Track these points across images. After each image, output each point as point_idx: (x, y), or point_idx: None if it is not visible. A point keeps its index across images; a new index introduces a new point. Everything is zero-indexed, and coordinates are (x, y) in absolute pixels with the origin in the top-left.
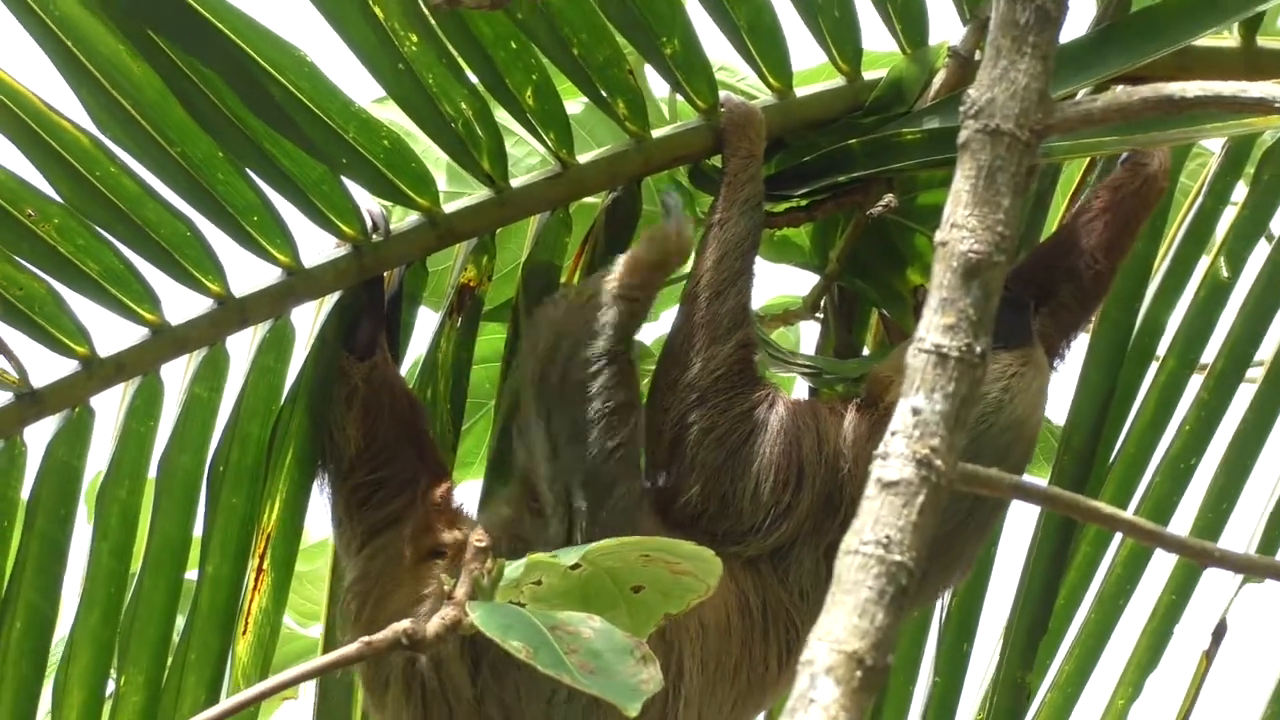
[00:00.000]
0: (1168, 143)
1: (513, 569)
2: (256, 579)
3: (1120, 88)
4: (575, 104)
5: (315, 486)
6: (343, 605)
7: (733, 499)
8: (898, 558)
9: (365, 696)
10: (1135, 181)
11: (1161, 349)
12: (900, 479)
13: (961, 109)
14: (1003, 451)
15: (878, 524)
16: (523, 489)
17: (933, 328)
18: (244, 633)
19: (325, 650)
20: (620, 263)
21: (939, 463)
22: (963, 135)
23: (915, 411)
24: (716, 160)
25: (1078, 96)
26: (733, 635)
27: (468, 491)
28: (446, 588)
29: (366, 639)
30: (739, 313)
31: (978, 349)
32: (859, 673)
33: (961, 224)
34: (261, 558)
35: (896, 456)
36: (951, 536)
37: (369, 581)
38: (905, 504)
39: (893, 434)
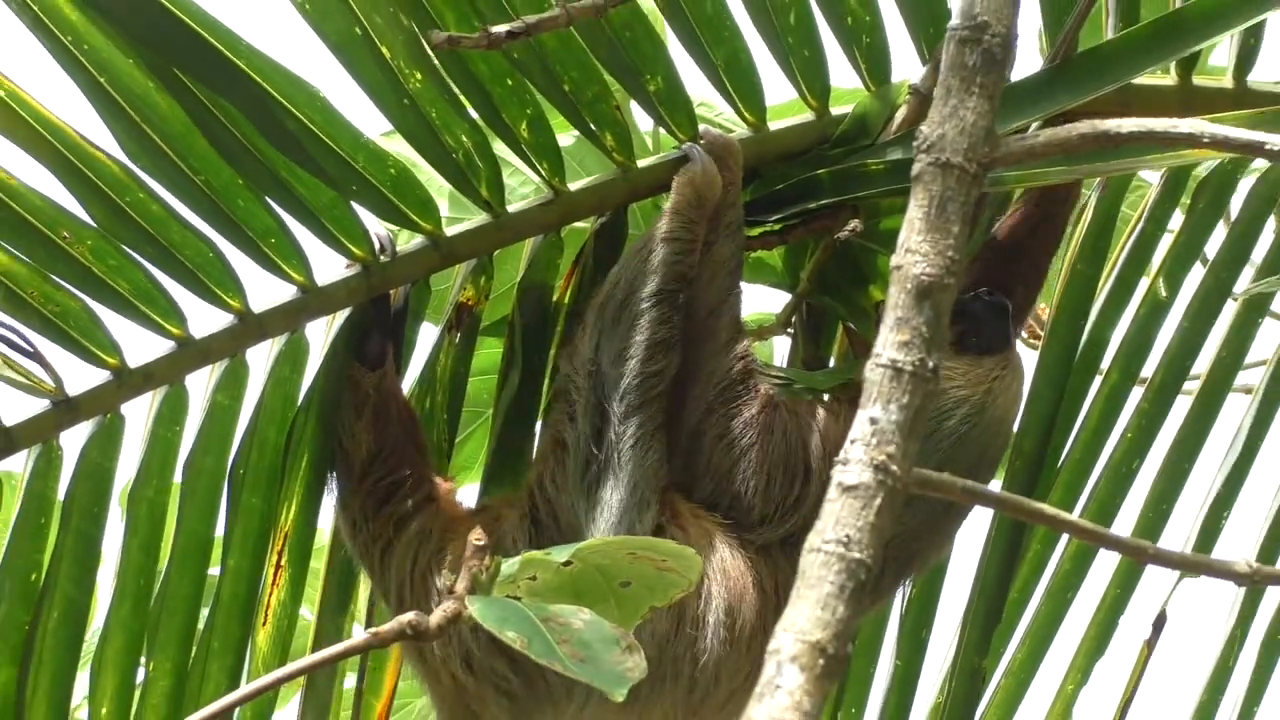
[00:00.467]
0: (1109, 173)
1: (509, 565)
2: (275, 574)
3: (1067, 125)
4: (566, 137)
5: (328, 489)
6: (390, 602)
7: (744, 495)
8: (857, 555)
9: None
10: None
11: (1105, 362)
12: (859, 483)
13: (915, 144)
14: (984, 449)
15: (838, 524)
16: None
17: (888, 344)
18: (264, 623)
19: (315, 638)
20: (664, 211)
21: (895, 468)
22: (916, 168)
23: (873, 421)
24: None
25: (1029, 130)
26: (752, 606)
27: (466, 494)
28: (448, 584)
29: (374, 630)
30: (734, 325)
31: (930, 364)
32: (821, 661)
33: (915, 249)
34: (280, 554)
35: (855, 462)
36: (918, 532)
37: (415, 575)
38: (864, 506)
39: (852, 442)
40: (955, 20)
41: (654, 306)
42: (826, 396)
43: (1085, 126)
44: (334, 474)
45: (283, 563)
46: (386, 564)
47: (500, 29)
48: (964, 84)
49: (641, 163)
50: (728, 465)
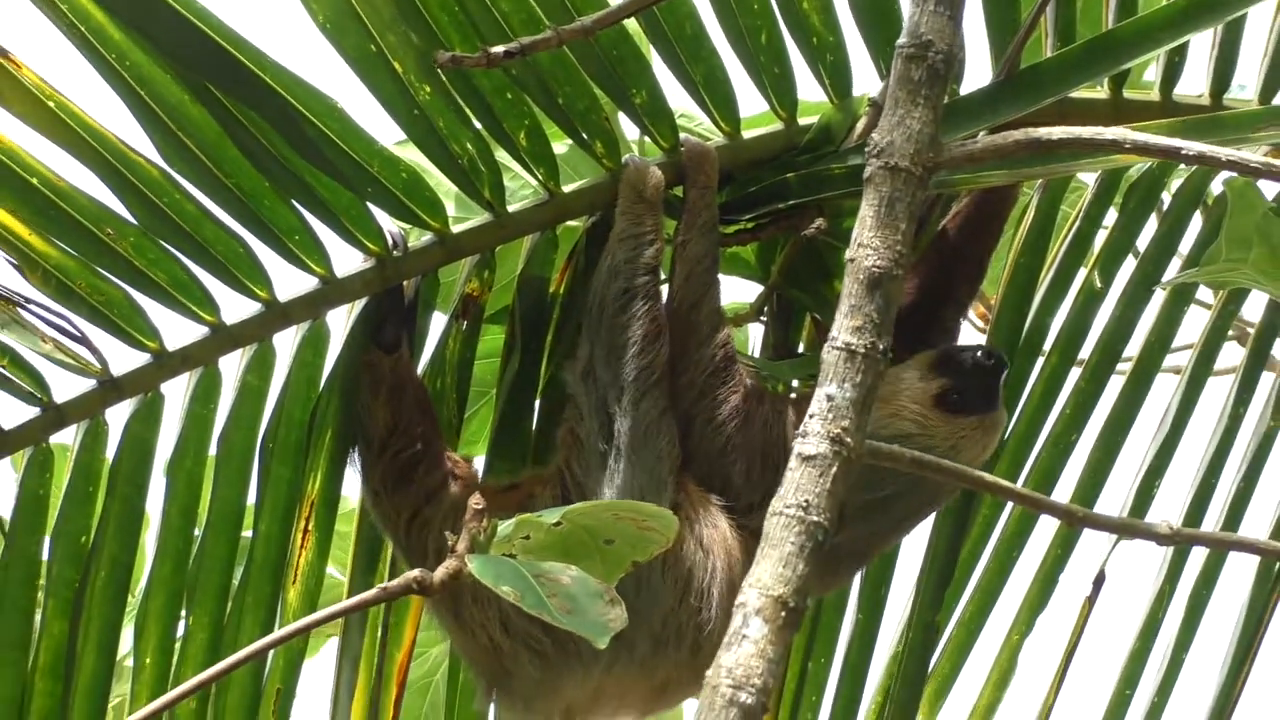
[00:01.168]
0: (1047, 175)
1: (505, 527)
2: (303, 538)
3: (1004, 133)
4: (561, 145)
5: (350, 462)
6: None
7: (731, 480)
8: (815, 518)
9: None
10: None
11: (1047, 346)
12: (817, 453)
13: (866, 150)
14: (936, 493)
15: (798, 490)
16: (565, 433)
17: (843, 329)
18: (294, 582)
19: (348, 595)
20: (616, 214)
21: (849, 440)
22: (867, 171)
23: (829, 398)
24: (678, 190)
25: (977, 138)
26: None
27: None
28: (450, 543)
29: (383, 585)
30: (714, 316)
31: (880, 346)
32: (783, 613)
33: (867, 244)
34: (307, 520)
35: (814, 435)
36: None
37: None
38: (821, 474)
39: (811, 416)
40: (902, 39)
41: (629, 304)
42: (797, 385)
43: (1020, 134)
44: (355, 449)
45: (309, 527)
46: (412, 533)
47: (499, 49)
48: (910, 96)
49: None
50: (716, 449)
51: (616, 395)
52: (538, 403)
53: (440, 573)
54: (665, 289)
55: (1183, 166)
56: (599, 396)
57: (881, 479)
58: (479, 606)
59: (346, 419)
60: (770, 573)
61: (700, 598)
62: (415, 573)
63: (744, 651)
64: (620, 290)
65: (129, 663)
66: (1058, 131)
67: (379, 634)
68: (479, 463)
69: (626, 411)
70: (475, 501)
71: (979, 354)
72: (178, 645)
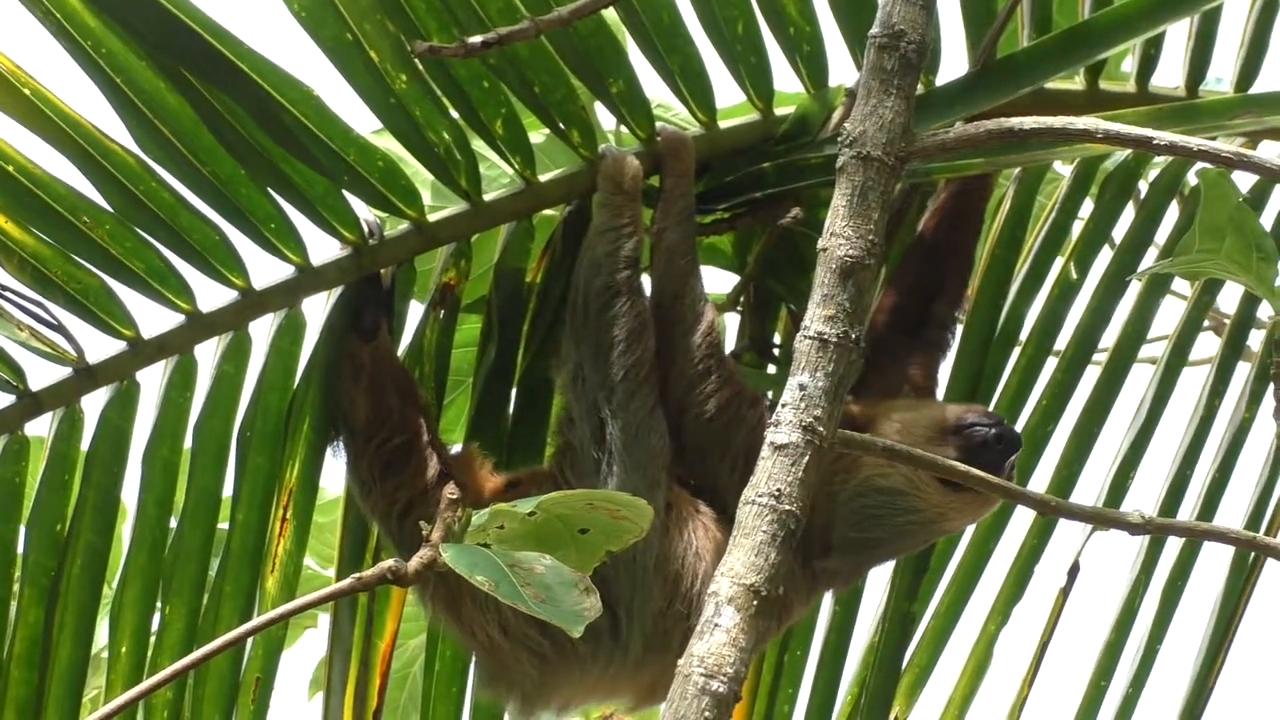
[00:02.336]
0: (1027, 163)
1: (479, 517)
2: (281, 527)
3: (976, 123)
4: (538, 135)
5: (329, 451)
6: None
7: (719, 478)
8: (787, 507)
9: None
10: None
11: (1023, 337)
12: (789, 442)
13: (839, 139)
14: (920, 542)
15: (770, 479)
16: (557, 438)
17: (816, 318)
18: (272, 571)
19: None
20: (595, 206)
21: (821, 429)
22: (840, 160)
23: (801, 387)
24: (655, 180)
25: (950, 129)
26: None
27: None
28: (425, 533)
29: (357, 575)
30: (698, 304)
31: (853, 335)
32: (755, 602)
33: (839, 233)
34: (285, 509)
35: (786, 424)
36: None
37: None
38: (793, 463)
39: (783, 405)
40: (875, 29)
41: (611, 300)
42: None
43: (992, 124)
44: (340, 440)
45: (288, 516)
46: (405, 526)
47: (476, 40)
48: (883, 86)
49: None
50: (706, 444)
51: (606, 396)
52: (514, 392)
53: (415, 563)
54: (647, 278)
55: (1159, 158)
56: (589, 400)
57: (871, 523)
58: (478, 608)
59: (324, 408)
60: (742, 561)
61: (687, 602)
62: (390, 563)
63: (716, 640)
64: (602, 286)
65: (105, 655)
66: (1030, 121)
67: (363, 624)
68: (455, 451)
69: (617, 413)
70: (450, 492)
71: (991, 433)
72: (153, 635)
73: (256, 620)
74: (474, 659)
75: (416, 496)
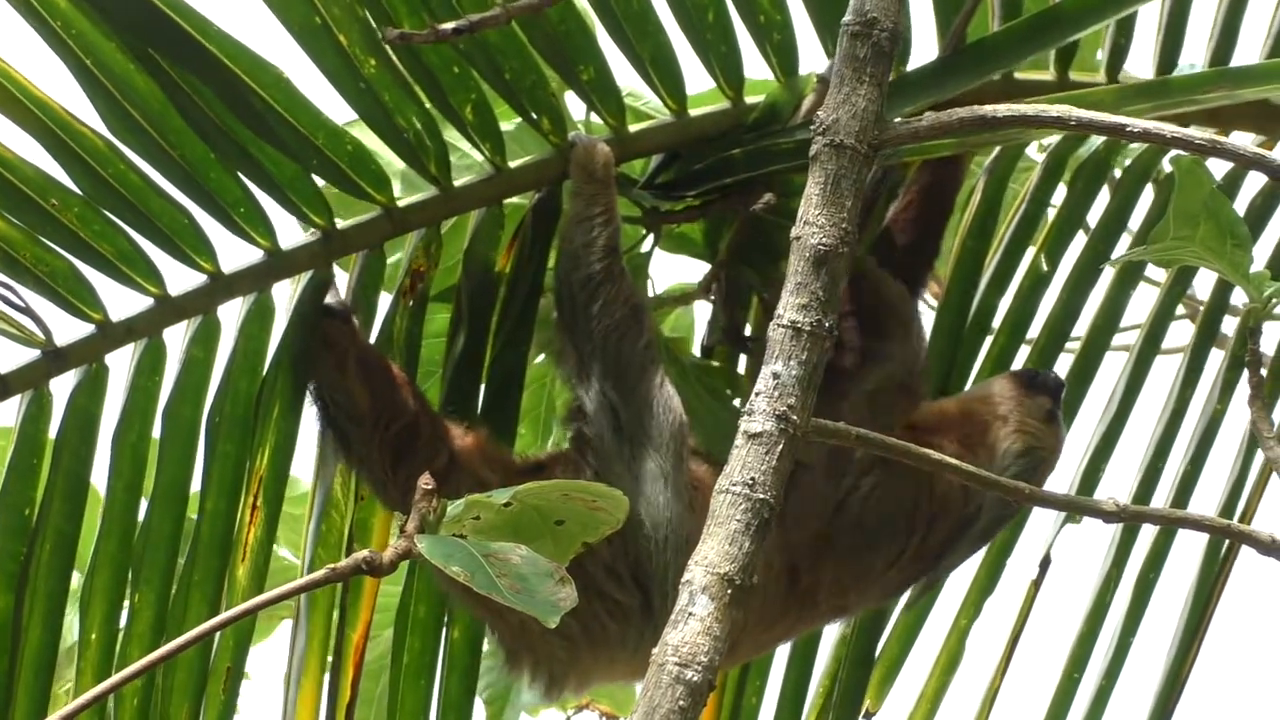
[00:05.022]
0: (1003, 142)
1: (454, 507)
2: (251, 514)
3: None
4: (508, 124)
5: (337, 458)
6: None
7: None
8: (761, 496)
9: None
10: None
11: (995, 325)
12: (763, 431)
13: (812, 128)
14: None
15: (744, 468)
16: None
17: (789, 307)
18: (243, 559)
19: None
20: (569, 196)
21: (795, 418)
22: (813, 149)
23: (775, 375)
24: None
25: (922, 116)
26: None
27: None
28: (399, 524)
29: (331, 566)
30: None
31: (826, 324)
32: (729, 590)
33: (813, 221)
34: (256, 496)
35: (760, 413)
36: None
37: None
38: (767, 451)
39: (757, 394)
40: (848, 17)
41: (596, 290)
42: None
43: (964, 111)
44: (347, 438)
45: (258, 504)
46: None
47: (447, 26)
48: (856, 73)
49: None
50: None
51: (613, 384)
52: (484, 382)
53: (389, 554)
54: None
55: (1134, 144)
56: (597, 389)
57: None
58: None
59: (296, 394)
60: (716, 550)
61: None
62: (365, 553)
63: (690, 629)
64: (584, 278)
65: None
66: (1003, 109)
67: (336, 614)
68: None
69: (628, 399)
70: (425, 481)
71: (1052, 377)
72: (123, 622)
73: (226, 613)
74: (494, 641)
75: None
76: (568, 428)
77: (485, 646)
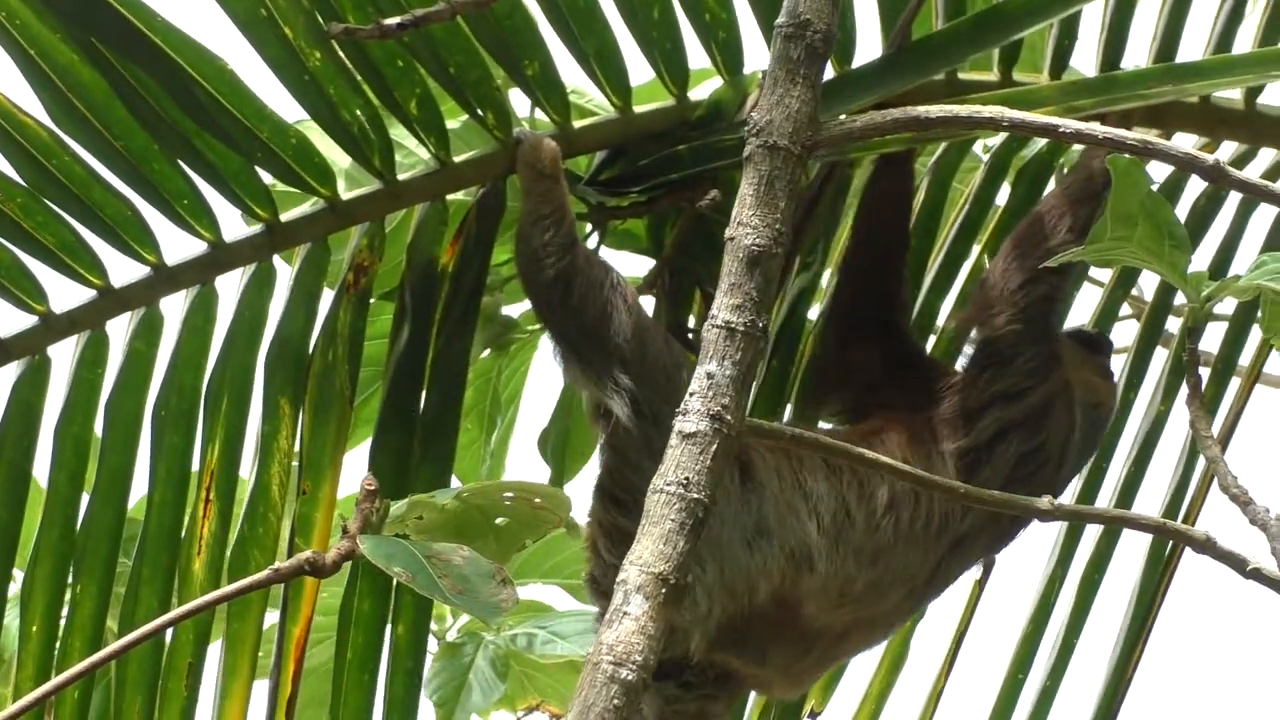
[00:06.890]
0: (934, 140)
1: (397, 507)
2: (205, 508)
3: (882, 110)
4: (454, 122)
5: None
6: None
7: None
8: (695, 495)
9: None
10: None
11: (939, 325)
12: (697, 431)
13: (746, 129)
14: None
15: (679, 468)
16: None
17: (723, 307)
18: (198, 553)
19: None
20: (521, 196)
21: (729, 417)
22: (747, 150)
23: (709, 376)
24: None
25: (856, 117)
26: None
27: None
28: (343, 524)
29: (275, 566)
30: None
31: (760, 324)
32: (664, 590)
33: (746, 222)
34: (208, 490)
35: (694, 413)
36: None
37: None
38: (701, 451)
39: (691, 394)
40: (781, 18)
41: (569, 284)
42: None
43: (898, 112)
44: None
45: (211, 498)
46: None
47: (392, 21)
48: (789, 75)
49: None
50: None
51: (621, 366)
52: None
53: (332, 554)
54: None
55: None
56: (610, 376)
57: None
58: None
59: (244, 387)
60: (651, 550)
61: None
62: (308, 554)
63: (625, 628)
64: (552, 277)
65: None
66: (936, 109)
67: (281, 612)
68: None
69: (637, 377)
70: (368, 482)
71: (1106, 337)
72: (64, 614)
73: (175, 612)
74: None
75: None
76: (599, 429)
77: (433, 647)
